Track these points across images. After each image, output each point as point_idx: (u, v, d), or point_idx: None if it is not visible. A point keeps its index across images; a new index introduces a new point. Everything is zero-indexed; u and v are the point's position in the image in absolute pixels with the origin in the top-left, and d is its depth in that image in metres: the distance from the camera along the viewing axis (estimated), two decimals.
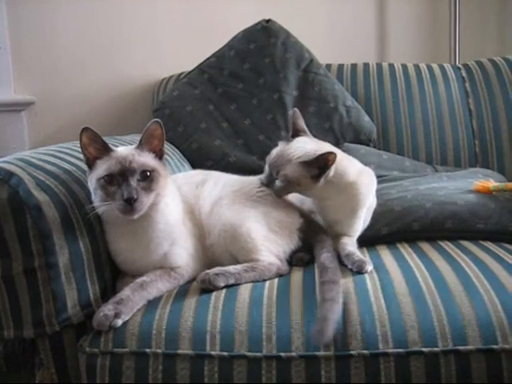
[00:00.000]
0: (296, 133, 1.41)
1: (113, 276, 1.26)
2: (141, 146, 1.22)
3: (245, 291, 1.15)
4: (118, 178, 1.15)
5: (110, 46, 2.29)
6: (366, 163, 1.48)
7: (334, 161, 1.28)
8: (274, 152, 1.37)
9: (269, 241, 1.28)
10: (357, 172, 1.39)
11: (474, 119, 2.14)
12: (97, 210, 1.17)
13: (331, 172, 1.31)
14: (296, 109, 1.44)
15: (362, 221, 1.41)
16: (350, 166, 1.38)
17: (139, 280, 1.17)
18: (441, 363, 0.98)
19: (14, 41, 2.14)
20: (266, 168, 1.38)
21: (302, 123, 1.42)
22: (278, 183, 1.33)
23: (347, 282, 1.16)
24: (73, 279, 1.13)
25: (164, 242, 1.23)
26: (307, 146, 1.34)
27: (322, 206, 1.41)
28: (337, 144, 1.92)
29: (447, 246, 1.35)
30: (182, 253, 1.26)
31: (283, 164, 1.32)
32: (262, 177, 1.39)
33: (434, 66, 2.27)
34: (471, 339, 1.00)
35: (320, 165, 1.29)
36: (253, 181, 1.40)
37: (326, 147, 1.37)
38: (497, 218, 1.44)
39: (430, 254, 1.29)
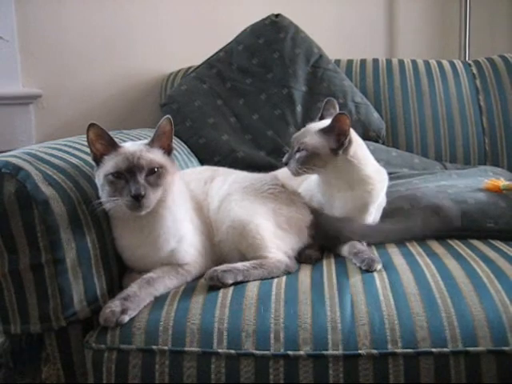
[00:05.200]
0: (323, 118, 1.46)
1: (119, 272, 1.26)
2: (152, 142, 1.21)
3: (253, 288, 1.14)
4: (126, 174, 1.14)
5: (117, 39, 2.28)
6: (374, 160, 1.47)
7: (349, 124, 1.32)
8: (302, 130, 1.43)
9: (277, 238, 1.28)
10: (374, 167, 1.41)
11: (484, 116, 2.13)
12: (104, 205, 1.16)
13: (351, 148, 1.34)
14: (332, 98, 1.50)
15: (371, 218, 1.41)
16: (369, 159, 1.41)
17: (146, 276, 1.17)
18: (450, 364, 0.97)
19: (22, 34, 2.13)
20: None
21: (332, 110, 1.46)
22: (297, 155, 1.36)
23: (356, 281, 1.15)
24: (80, 274, 1.12)
25: (171, 239, 1.22)
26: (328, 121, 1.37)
27: (332, 201, 1.40)
28: None
29: (457, 244, 1.34)
30: (190, 249, 1.25)
31: (305, 136, 1.37)
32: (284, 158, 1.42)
33: (444, 62, 2.25)
34: (481, 340, 0.98)
35: (338, 133, 1.33)
36: (263, 177, 1.40)
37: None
38: (507, 217, 1.42)
39: (440, 252, 1.28)
